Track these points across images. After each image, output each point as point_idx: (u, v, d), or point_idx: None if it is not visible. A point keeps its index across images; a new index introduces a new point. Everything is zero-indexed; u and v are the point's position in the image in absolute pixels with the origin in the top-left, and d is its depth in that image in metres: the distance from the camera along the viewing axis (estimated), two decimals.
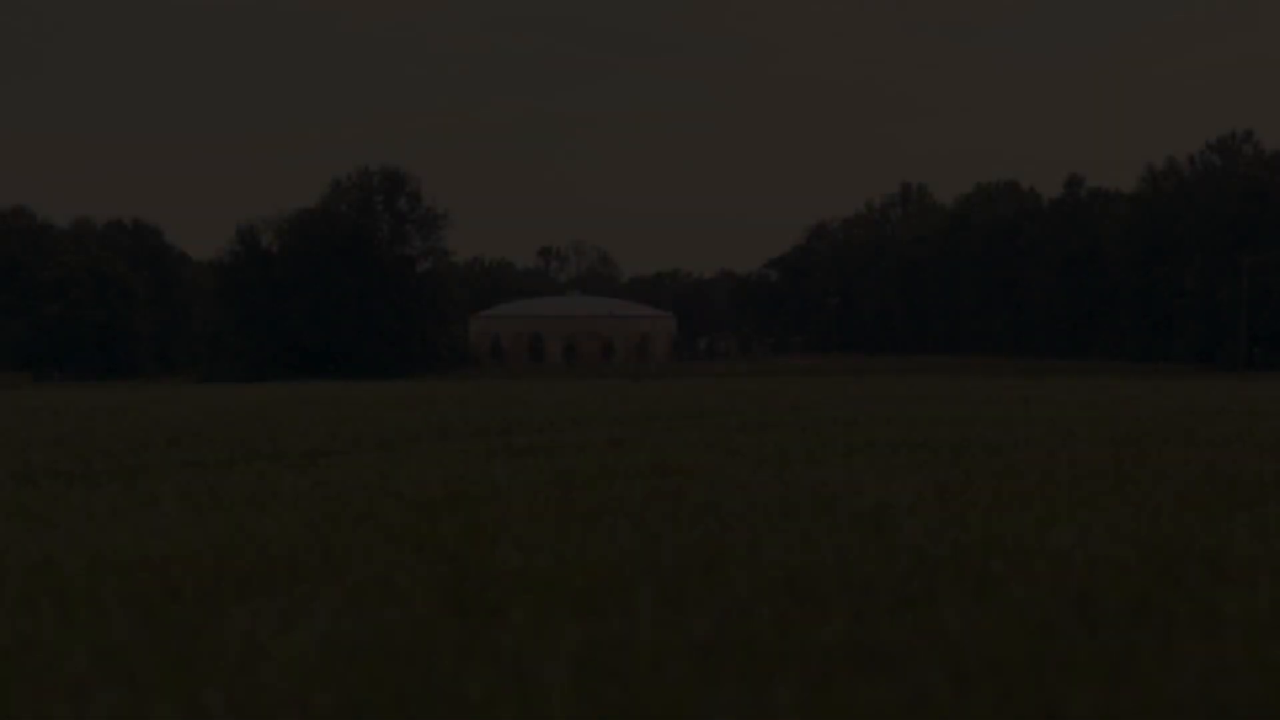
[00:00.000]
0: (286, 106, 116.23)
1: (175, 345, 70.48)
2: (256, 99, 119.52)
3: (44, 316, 62.84)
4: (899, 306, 77.97)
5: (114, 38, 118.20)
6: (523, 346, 68.15)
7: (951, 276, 75.31)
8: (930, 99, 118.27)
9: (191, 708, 1.15)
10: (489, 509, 2.34)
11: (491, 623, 1.39)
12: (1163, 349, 57.15)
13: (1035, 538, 1.88)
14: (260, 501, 2.59)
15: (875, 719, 1.18)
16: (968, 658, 1.29)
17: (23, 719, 1.13)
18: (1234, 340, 48.27)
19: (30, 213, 69.66)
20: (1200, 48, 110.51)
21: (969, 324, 72.82)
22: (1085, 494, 2.43)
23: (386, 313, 61.76)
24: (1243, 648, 1.29)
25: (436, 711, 1.14)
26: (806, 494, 2.52)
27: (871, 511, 2.22)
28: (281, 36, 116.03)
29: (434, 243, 66.69)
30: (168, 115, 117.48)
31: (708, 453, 3.53)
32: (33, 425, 5.61)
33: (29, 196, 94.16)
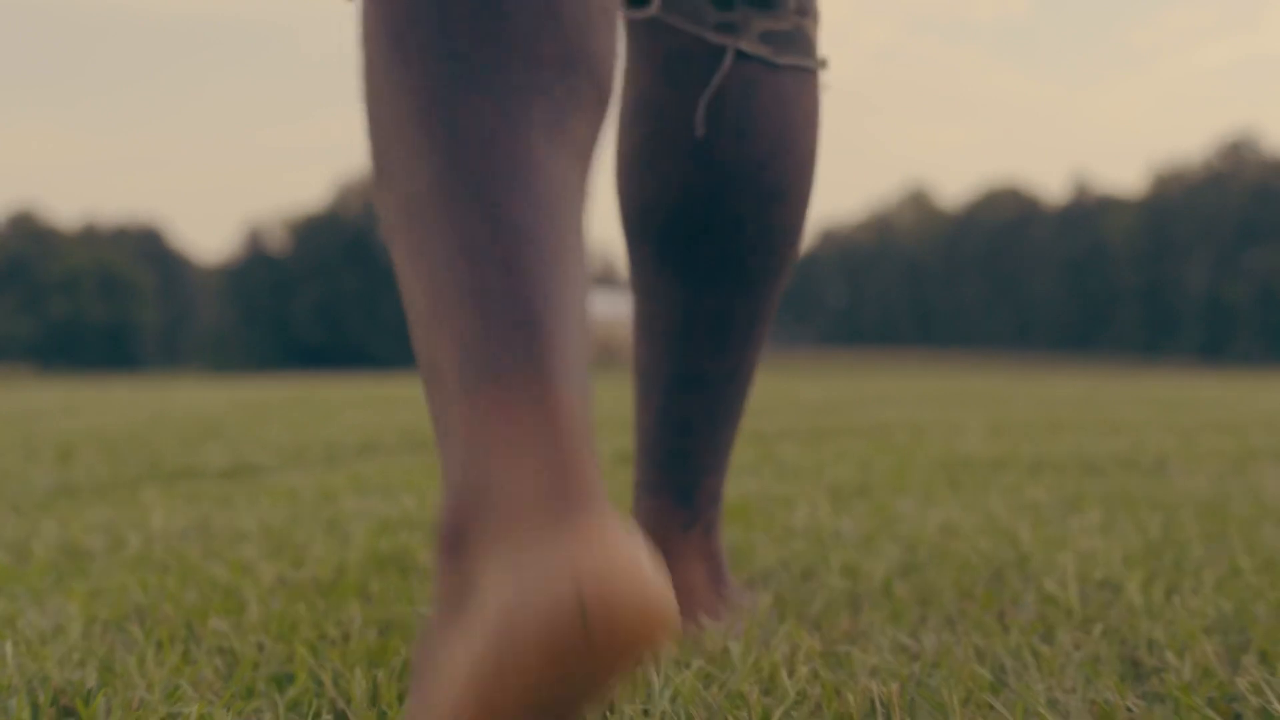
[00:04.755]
0: (289, 106, 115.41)
1: (182, 341, 70.69)
2: (259, 100, 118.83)
3: (52, 314, 62.97)
4: (903, 304, 77.74)
5: (116, 40, 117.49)
6: None
7: (956, 276, 75.14)
8: (933, 99, 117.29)
9: None
10: (416, 591, 1.40)
11: None
12: (1169, 345, 56.75)
13: None
14: (76, 565, 1.66)
15: None
16: None
17: None
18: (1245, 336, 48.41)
19: (37, 216, 69.23)
20: (1208, 46, 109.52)
21: (973, 321, 72.41)
22: None
23: (392, 311, 61.66)
24: None
25: None
26: (935, 554, 1.59)
27: (1079, 602, 1.29)
28: (283, 36, 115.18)
29: None
30: (170, 117, 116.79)
31: (752, 476, 2.59)
32: None
33: (33, 199, 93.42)
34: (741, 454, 3.14)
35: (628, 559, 0.59)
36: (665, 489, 1.15)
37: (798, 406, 6.43)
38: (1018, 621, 1.22)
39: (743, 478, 2.51)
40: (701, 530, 1.18)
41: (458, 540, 0.65)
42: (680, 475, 1.15)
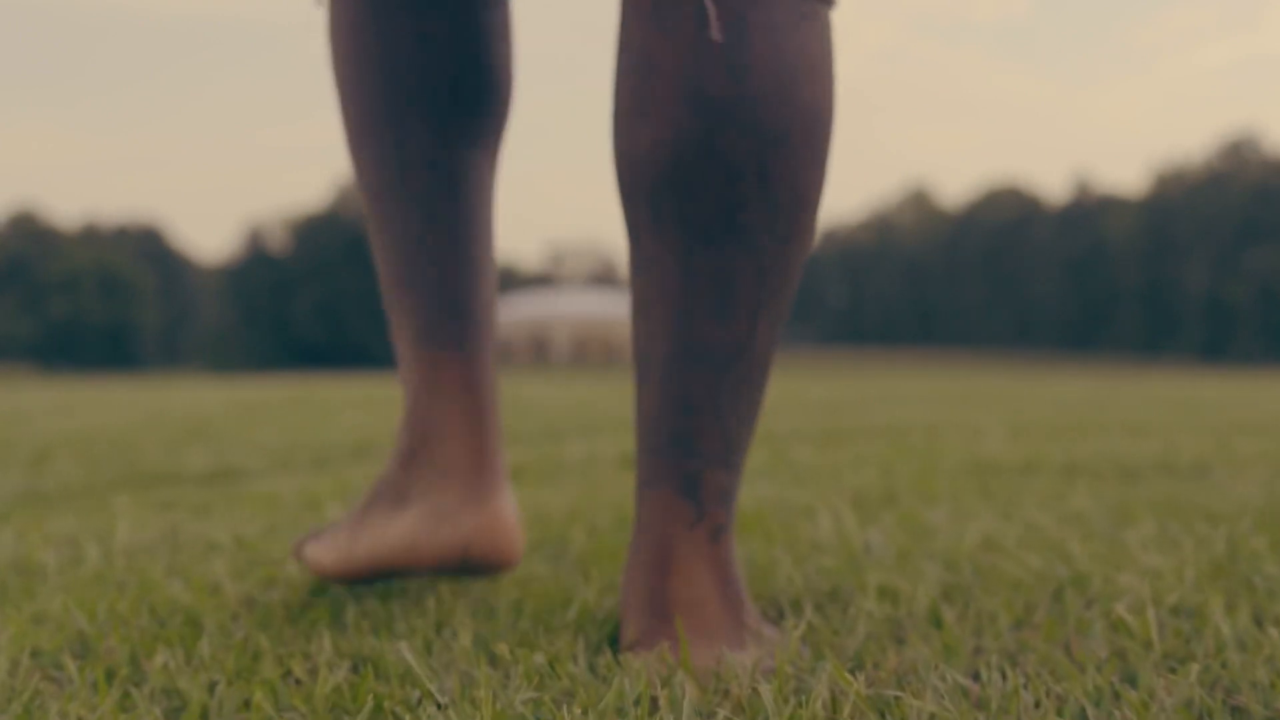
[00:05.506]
0: (289, 106, 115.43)
1: (182, 341, 70.75)
2: (259, 100, 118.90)
3: (52, 314, 63.12)
4: (904, 303, 77.86)
5: (116, 40, 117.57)
6: (528, 344, 67.55)
7: (956, 275, 75.22)
8: (934, 99, 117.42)
9: None
10: (396, 620, 1.23)
11: None
12: (1169, 345, 56.82)
13: None
14: (24, 584, 1.49)
15: None
16: None
17: None
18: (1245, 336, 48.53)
19: (37, 216, 69.25)
20: (1208, 46, 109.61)
21: (973, 321, 72.42)
22: None
23: None
24: None
25: None
26: (980, 573, 1.42)
27: (1156, 632, 1.12)
28: (283, 36, 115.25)
29: None
30: (170, 117, 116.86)
31: (769, 481, 2.42)
32: None
33: (33, 199, 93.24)
34: (752, 455, 2.97)
35: (506, 535, 1.09)
36: (667, 478, 1.03)
37: (804, 406, 6.27)
38: (1091, 656, 1.06)
39: (756, 481, 2.35)
40: (709, 532, 1.03)
41: (409, 456, 1.14)
42: (683, 463, 1.03)
